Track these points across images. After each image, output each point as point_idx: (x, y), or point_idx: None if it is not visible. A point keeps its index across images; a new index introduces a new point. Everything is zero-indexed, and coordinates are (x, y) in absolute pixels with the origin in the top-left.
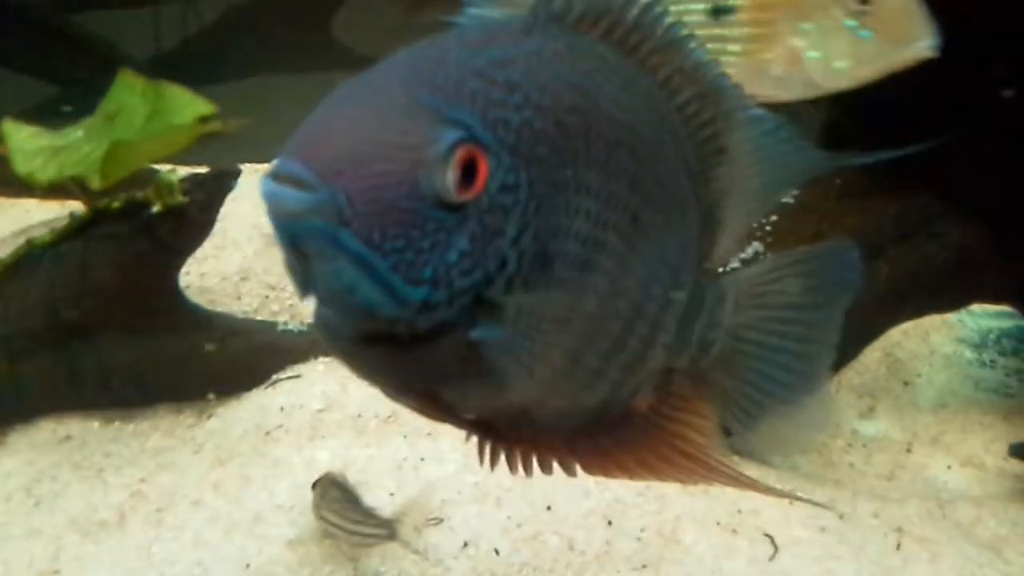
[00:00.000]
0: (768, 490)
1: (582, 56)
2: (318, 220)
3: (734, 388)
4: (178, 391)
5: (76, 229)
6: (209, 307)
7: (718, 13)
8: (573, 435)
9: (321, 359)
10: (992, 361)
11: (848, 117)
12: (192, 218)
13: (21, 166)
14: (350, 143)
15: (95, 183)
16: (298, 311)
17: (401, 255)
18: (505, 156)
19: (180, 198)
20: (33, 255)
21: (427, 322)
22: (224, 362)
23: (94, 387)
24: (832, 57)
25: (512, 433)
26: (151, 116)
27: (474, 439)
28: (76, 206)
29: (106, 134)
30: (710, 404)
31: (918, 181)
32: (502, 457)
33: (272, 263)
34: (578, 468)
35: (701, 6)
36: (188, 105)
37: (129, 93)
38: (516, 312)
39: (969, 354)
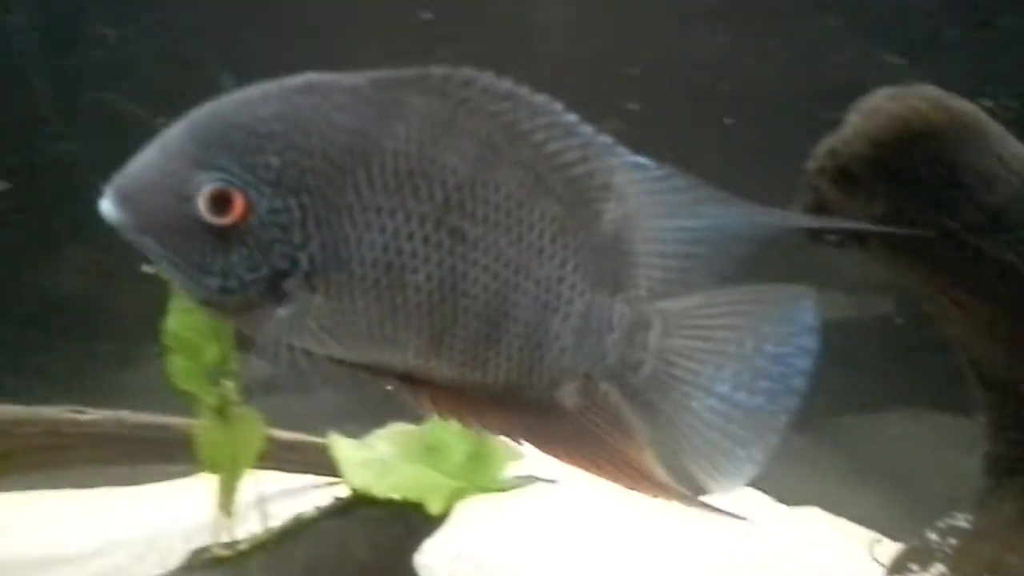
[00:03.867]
0: (691, 501)
1: (372, 105)
2: (128, 232)
3: (671, 411)
4: None
5: (338, 509)
6: None
7: None
8: (507, 413)
9: None
10: None
11: None
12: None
13: (354, 478)
14: (139, 180)
15: (434, 508)
16: None
17: (190, 255)
18: (267, 189)
19: None
20: (299, 527)
21: (232, 301)
22: None
23: None
24: None
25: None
26: (470, 458)
27: None
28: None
29: (428, 462)
30: (635, 420)
31: None
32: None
33: (483, 545)
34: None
35: None
36: (503, 455)
37: (447, 433)
38: (312, 297)
39: None
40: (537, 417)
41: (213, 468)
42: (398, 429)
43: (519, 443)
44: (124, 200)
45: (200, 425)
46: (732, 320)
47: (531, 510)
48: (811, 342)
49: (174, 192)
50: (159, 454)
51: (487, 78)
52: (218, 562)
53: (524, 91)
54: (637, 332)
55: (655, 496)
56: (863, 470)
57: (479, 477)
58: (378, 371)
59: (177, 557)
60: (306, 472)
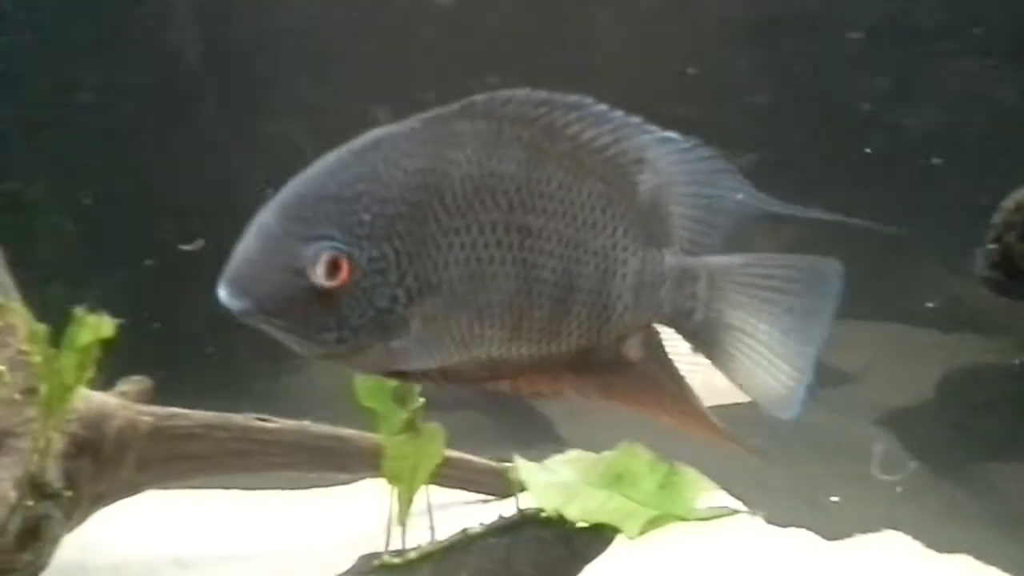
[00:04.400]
0: (729, 435)
1: (431, 143)
2: (251, 318)
3: (719, 352)
4: None
5: (504, 528)
6: None
7: None
8: (580, 376)
9: None
10: None
11: None
12: (605, 535)
13: (541, 499)
14: (252, 267)
15: (631, 534)
16: None
17: (308, 320)
18: (365, 243)
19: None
20: (465, 541)
21: (346, 347)
22: None
23: None
24: None
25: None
26: (662, 487)
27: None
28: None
29: (614, 488)
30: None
31: None
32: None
33: (634, 571)
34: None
35: None
36: (695, 484)
37: (636, 462)
38: (412, 323)
39: None
40: (606, 374)
41: (394, 480)
42: (577, 455)
43: (591, 399)
44: (242, 289)
45: (388, 439)
46: (769, 281)
47: (694, 543)
48: (831, 313)
49: (287, 270)
50: (334, 463)
51: (523, 92)
52: (389, 568)
53: (558, 96)
54: (686, 282)
55: (711, 438)
56: (1017, 519)
57: (673, 506)
58: (466, 372)
59: (347, 561)
60: (457, 488)
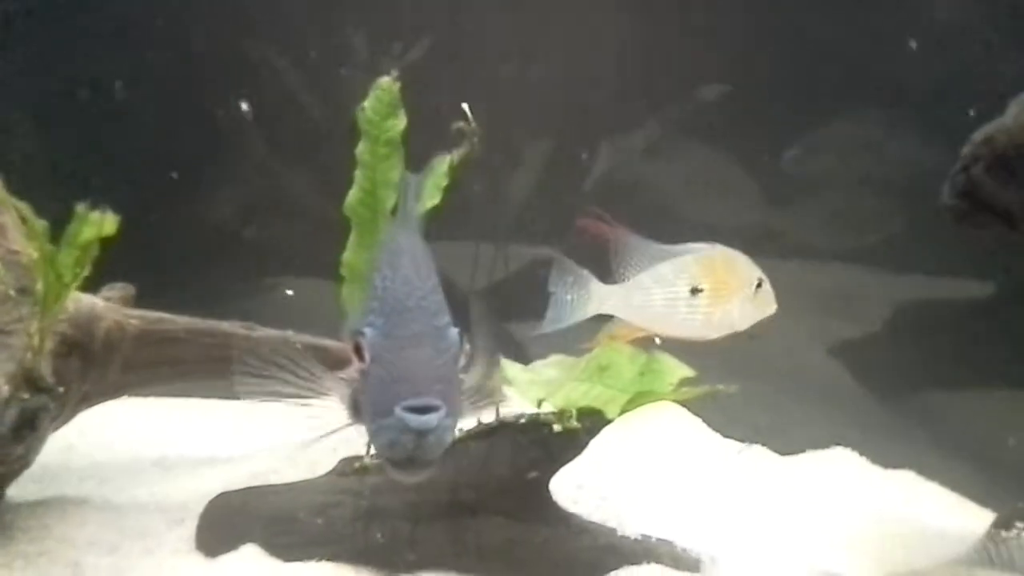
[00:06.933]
0: None
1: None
2: (445, 427)
3: None
4: (536, 572)
5: (483, 433)
6: None
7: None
8: None
9: (653, 564)
10: None
11: None
12: (579, 440)
13: (525, 393)
14: (434, 373)
15: (612, 414)
16: (623, 521)
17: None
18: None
19: (575, 424)
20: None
21: None
22: (574, 554)
23: (472, 557)
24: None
25: None
26: (642, 374)
27: None
28: None
29: (596, 380)
30: None
31: None
32: None
33: (604, 479)
34: None
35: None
36: (673, 370)
37: (617, 354)
38: None
39: None
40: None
41: None
42: (560, 358)
43: None
44: (439, 397)
45: None
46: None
47: (657, 446)
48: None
49: (454, 361)
50: None
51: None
52: (367, 470)
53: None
54: None
55: None
56: (956, 442)
57: (652, 388)
58: None
59: (326, 464)
60: None
